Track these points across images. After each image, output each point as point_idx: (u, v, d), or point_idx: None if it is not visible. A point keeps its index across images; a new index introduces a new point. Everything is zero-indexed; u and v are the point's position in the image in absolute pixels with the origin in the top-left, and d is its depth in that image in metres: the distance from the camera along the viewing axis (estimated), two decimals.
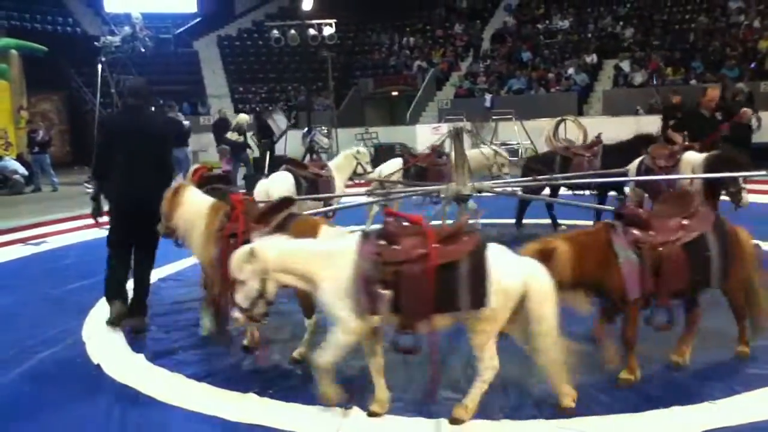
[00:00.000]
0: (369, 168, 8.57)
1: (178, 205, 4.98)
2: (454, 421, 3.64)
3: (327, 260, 3.67)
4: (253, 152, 15.89)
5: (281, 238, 3.85)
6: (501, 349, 4.43)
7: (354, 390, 4.09)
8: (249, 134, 14.71)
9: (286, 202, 4.81)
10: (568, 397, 3.74)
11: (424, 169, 8.86)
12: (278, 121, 15.50)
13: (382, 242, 3.64)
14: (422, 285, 3.51)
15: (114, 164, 5.43)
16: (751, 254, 4.21)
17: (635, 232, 3.95)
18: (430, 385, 4.00)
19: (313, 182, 7.77)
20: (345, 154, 8.61)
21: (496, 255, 3.63)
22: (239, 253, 3.66)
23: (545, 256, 3.81)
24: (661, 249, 3.90)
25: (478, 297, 3.52)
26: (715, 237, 4.00)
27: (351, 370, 4.43)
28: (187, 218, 4.96)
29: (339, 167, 8.34)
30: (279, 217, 4.58)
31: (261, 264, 3.61)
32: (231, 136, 14.21)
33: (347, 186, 8.78)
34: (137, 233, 5.46)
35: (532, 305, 3.56)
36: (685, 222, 4.02)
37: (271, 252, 3.64)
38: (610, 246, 3.93)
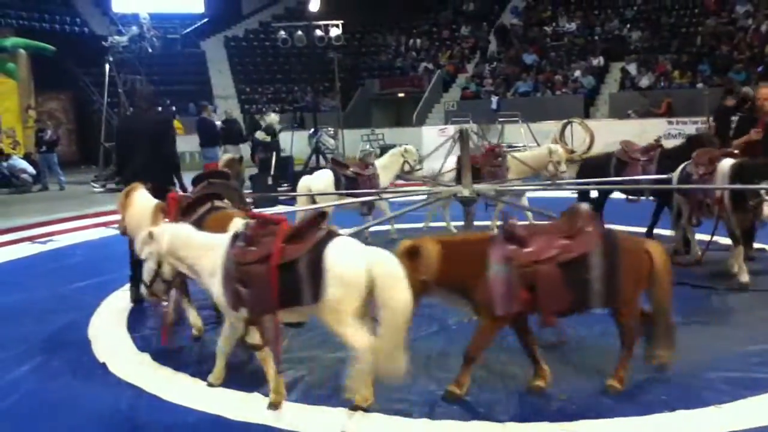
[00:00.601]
0: (417, 166, 8.65)
1: (128, 206, 5.40)
2: (354, 408, 3.82)
3: (206, 252, 3.95)
4: (284, 152, 15.95)
5: (181, 226, 4.16)
6: (504, 352, 4.45)
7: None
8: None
9: (207, 196, 5.14)
10: (358, 395, 3.80)
11: (354, 179, 8.30)
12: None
13: (242, 243, 3.84)
14: (265, 284, 3.72)
15: (129, 159, 6.29)
16: (660, 277, 3.92)
17: (510, 247, 3.84)
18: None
19: (354, 180, 8.05)
20: (392, 153, 8.72)
21: (338, 247, 3.75)
22: (141, 234, 4.10)
23: (412, 254, 3.86)
24: (534, 266, 3.77)
25: (316, 290, 3.68)
26: (601, 257, 3.79)
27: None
28: (135, 218, 5.32)
29: (385, 166, 8.50)
30: (201, 210, 4.96)
31: (156, 246, 4.00)
32: (260, 135, 14.23)
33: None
34: None
35: (378, 292, 3.65)
36: (564, 241, 3.84)
37: (165, 237, 3.99)
38: (484, 256, 3.84)
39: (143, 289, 4.24)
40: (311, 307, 3.76)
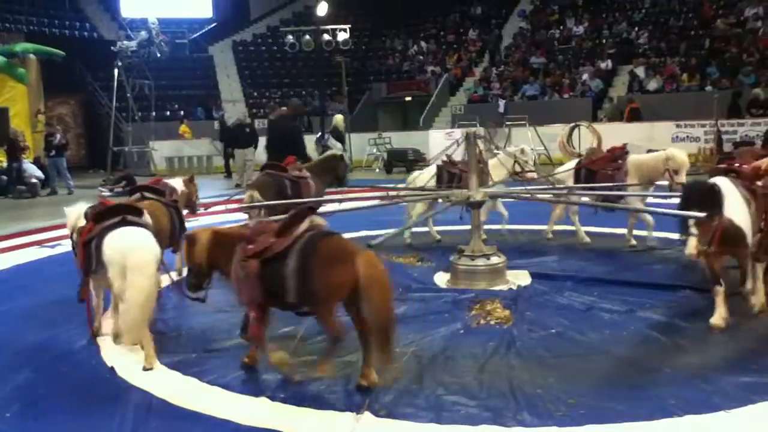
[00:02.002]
0: (529, 167, 8.35)
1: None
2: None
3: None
4: (347, 152, 16.13)
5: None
6: (513, 357, 4.43)
7: (366, 395, 4.09)
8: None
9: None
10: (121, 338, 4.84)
11: (457, 176, 8.46)
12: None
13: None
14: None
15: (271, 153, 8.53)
16: (368, 289, 3.90)
17: (248, 243, 4.26)
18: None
19: (459, 177, 8.15)
20: (506, 152, 8.54)
21: (117, 232, 4.77)
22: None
23: (190, 242, 4.48)
24: (247, 261, 4.18)
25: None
26: (297, 257, 4.00)
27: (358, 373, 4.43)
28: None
29: (497, 165, 8.33)
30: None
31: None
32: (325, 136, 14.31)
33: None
34: None
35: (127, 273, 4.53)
36: (272, 239, 4.16)
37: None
38: (234, 248, 4.30)
39: None
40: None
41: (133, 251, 4.57)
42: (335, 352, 4.24)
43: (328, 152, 8.74)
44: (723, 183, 4.70)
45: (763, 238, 4.82)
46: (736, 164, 5.36)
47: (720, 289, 4.82)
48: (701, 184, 4.75)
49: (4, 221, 11.86)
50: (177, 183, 7.51)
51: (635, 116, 19.79)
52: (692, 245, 4.36)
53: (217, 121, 20.96)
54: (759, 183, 4.92)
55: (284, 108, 16.32)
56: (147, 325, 4.70)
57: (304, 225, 4.20)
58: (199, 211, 7.92)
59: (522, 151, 8.28)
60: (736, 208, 4.54)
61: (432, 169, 8.67)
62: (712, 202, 4.38)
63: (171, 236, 6.29)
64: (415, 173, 9.09)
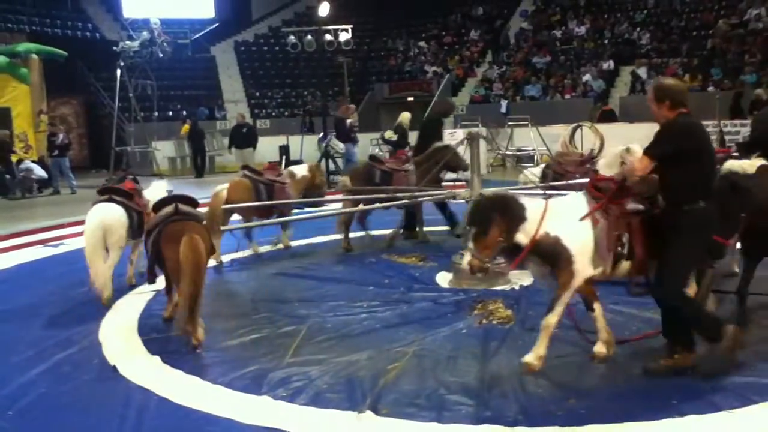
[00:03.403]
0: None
1: None
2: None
3: None
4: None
5: None
6: (515, 355, 4.44)
7: (367, 394, 4.10)
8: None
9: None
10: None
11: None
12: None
13: None
14: None
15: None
16: (183, 267, 4.93)
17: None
18: None
19: (562, 176, 8.09)
20: (614, 151, 8.11)
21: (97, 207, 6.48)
22: None
23: None
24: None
25: None
26: (154, 236, 5.37)
27: (363, 373, 4.44)
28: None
29: (608, 165, 7.90)
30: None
31: None
32: (387, 134, 14.35)
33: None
34: None
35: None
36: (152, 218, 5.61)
37: None
38: None
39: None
40: None
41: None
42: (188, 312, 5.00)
43: (436, 144, 8.63)
44: (570, 200, 4.48)
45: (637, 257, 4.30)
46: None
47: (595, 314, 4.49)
48: (486, 198, 4.56)
49: (7, 221, 11.88)
50: (302, 169, 8.77)
51: (608, 118, 19.66)
52: (466, 259, 4.24)
53: (189, 121, 21.09)
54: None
55: (352, 105, 17.95)
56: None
57: (168, 209, 5.42)
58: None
59: (628, 150, 7.23)
60: (567, 226, 4.20)
61: (537, 170, 8.77)
62: (482, 218, 4.17)
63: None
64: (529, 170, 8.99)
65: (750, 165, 5.20)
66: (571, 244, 4.16)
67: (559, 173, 7.97)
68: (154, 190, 7.02)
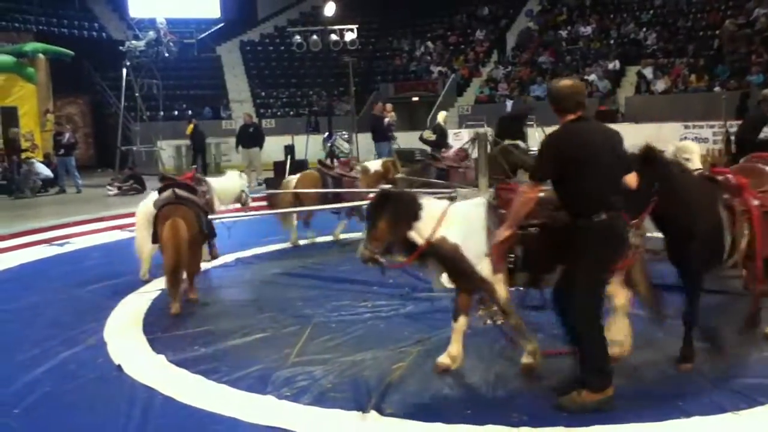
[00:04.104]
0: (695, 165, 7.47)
1: None
2: None
3: None
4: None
5: None
6: (516, 356, 4.43)
7: (371, 394, 4.10)
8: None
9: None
10: None
11: None
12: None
13: None
14: None
15: None
16: (165, 243, 6.00)
17: None
18: None
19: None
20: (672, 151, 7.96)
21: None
22: None
23: None
24: None
25: None
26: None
27: (367, 373, 4.44)
28: None
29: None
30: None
31: None
32: (426, 134, 14.42)
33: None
34: None
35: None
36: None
37: None
38: None
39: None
40: None
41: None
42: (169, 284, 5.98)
43: (508, 142, 8.64)
44: (472, 207, 4.44)
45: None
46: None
47: (455, 325, 4.45)
48: (381, 193, 4.58)
49: (13, 220, 11.92)
50: (376, 164, 9.28)
51: (605, 118, 19.56)
52: (360, 249, 4.31)
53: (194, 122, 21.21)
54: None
55: (389, 104, 17.81)
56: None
57: (167, 194, 6.25)
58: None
59: (684, 148, 6.54)
60: (461, 229, 4.23)
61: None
62: (374, 212, 4.26)
63: None
64: None
65: None
66: (468, 253, 4.18)
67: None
68: (228, 180, 8.01)
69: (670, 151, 6.79)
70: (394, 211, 4.21)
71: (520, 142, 8.63)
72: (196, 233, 6.19)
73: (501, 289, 4.23)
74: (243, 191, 8.06)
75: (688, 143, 6.80)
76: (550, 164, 3.75)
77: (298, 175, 9.11)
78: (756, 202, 4.49)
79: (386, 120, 15.94)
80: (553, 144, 3.82)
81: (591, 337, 3.82)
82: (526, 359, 4.33)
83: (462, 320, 4.43)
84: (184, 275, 6.26)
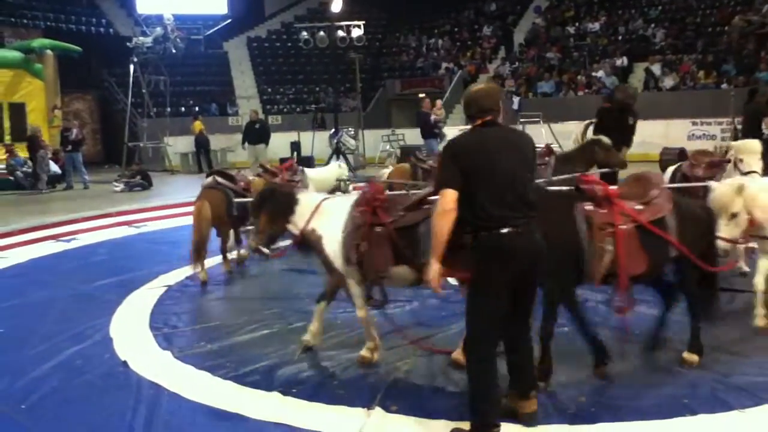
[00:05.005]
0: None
1: None
2: None
3: None
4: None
5: None
6: None
7: (376, 390, 4.10)
8: None
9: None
10: None
11: None
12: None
13: None
14: None
15: None
16: (195, 219, 6.92)
17: None
18: None
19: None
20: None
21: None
22: None
23: None
24: None
25: None
26: None
27: (372, 369, 4.44)
28: None
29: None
30: None
31: None
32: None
33: None
34: None
35: None
36: None
37: None
38: None
39: None
40: None
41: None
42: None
43: (590, 138, 8.23)
44: (341, 202, 4.73)
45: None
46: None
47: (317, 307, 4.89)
48: (262, 190, 5.16)
49: (20, 215, 11.97)
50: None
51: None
52: (249, 240, 5.04)
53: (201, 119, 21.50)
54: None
55: (438, 100, 17.88)
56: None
57: (209, 180, 7.26)
58: None
59: (739, 149, 6.18)
60: (327, 222, 4.53)
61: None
62: (255, 207, 4.81)
63: None
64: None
65: None
66: (327, 246, 4.50)
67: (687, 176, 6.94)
68: (326, 170, 9.01)
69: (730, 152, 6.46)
70: (272, 206, 4.68)
71: (603, 138, 7.94)
72: (222, 214, 7.03)
73: (353, 283, 4.50)
74: (341, 180, 8.70)
75: (744, 143, 6.35)
76: (448, 172, 3.42)
77: (391, 168, 9.36)
78: (623, 216, 4.07)
79: (433, 117, 15.78)
80: (448, 152, 3.53)
81: (470, 369, 3.56)
82: (364, 352, 4.62)
83: (322, 304, 4.88)
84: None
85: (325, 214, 4.57)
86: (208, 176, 7.55)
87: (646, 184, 4.35)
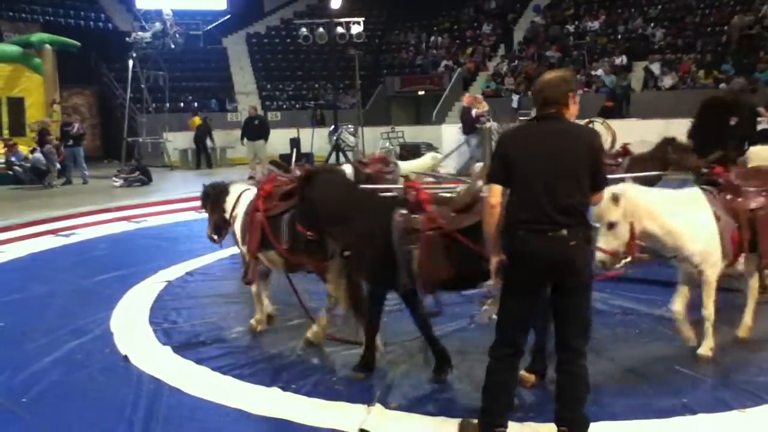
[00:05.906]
0: None
1: None
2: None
3: None
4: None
5: None
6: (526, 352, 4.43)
7: (376, 387, 4.11)
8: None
9: None
10: None
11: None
12: None
13: None
14: None
15: None
16: None
17: None
18: None
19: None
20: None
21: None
22: None
23: None
24: None
25: None
26: None
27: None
28: None
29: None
30: None
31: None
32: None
33: None
34: None
35: None
36: None
37: None
38: None
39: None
40: None
41: None
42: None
43: (665, 137, 7.94)
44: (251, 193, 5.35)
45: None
46: None
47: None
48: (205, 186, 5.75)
49: (20, 210, 11.96)
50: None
51: (606, 114, 19.44)
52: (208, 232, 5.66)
53: (200, 114, 21.42)
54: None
55: (479, 95, 17.44)
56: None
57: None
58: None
59: (756, 154, 6.20)
60: (240, 211, 5.27)
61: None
62: (202, 201, 5.65)
63: None
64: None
65: None
66: (236, 229, 5.30)
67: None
68: (418, 162, 9.58)
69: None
70: (212, 198, 5.49)
71: (677, 138, 7.69)
72: None
73: (251, 267, 5.11)
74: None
75: (761, 149, 6.38)
76: (494, 166, 3.38)
77: (481, 164, 9.10)
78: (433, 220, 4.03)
79: (474, 111, 15.20)
80: (498, 143, 3.50)
81: (487, 366, 3.49)
82: (309, 334, 4.95)
83: (252, 287, 5.31)
84: None
85: (242, 203, 5.27)
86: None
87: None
